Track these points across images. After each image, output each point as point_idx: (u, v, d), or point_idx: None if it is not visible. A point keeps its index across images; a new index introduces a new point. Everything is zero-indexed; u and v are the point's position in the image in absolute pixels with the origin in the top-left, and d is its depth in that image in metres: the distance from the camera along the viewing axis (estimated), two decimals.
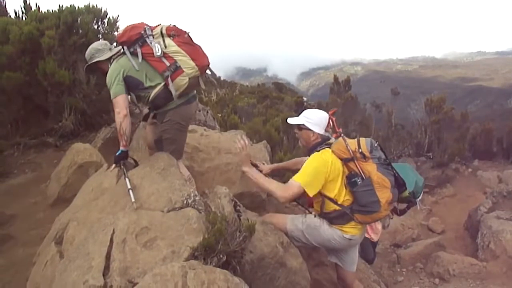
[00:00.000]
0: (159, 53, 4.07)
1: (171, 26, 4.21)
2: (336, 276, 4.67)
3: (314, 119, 4.08)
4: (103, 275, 2.71)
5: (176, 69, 4.11)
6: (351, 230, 3.96)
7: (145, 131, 4.90)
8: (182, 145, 4.65)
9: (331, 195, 3.88)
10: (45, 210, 5.71)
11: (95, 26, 8.69)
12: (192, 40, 4.29)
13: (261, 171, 4.30)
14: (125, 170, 3.92)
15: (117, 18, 8.97)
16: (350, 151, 3.86)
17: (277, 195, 3.84)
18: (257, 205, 5.21)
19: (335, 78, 17.51)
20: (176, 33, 4.18)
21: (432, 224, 11.31)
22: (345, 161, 3.89)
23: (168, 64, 4.10)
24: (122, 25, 9.00)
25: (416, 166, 14.16)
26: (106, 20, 8.83)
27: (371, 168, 3.84)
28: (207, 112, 8.68)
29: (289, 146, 11.51)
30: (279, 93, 31.56)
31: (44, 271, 3.73)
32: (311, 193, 3.82)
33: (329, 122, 4.12)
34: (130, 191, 3.51)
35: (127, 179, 3.69)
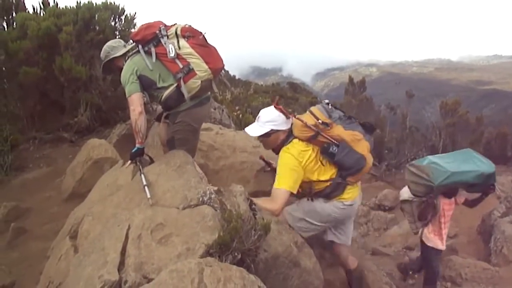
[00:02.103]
0: (172, 55, 4.03)
1: (186, 26, 4.16)
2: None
3: (278, 120, 4.00)
4: (118, 270, 2.71)
5: (189, 71, 4.07)
6: (349, 196, 3.96)
7: (159, 128, 4.91)
8: (195, 146, 4.65)
9: (316, 177, 3.87)
10: (59, 205, 5.76)
11: (112, 23, 8.76)
12: (207, 42, 4.24)
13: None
14: (140, 167, 3.93)
15: (134, 15, 9.04)
16: (312, 126, 3.81)
17: (271, 210, 3.76)
18: None
19: (350, 79, 17.46)
20: (191, 34, 4.13)
21: None
22: (312, 139, 3.84)
23: (181, 66, 4.07)
24: (139, 23, 9.05)
25: None
26: (123, 17, 8.90)
27: (338, 131, 3.82)
28: (223, 110, 8.69)
29: None
30: (294, 93, 31.56)
31: (58, 265, 3.74)
32: (296, 190, 3.83)
33: (279, 114, 4.01)
34: (146, 187, 3.52)
35: (142, 176, 3.69)
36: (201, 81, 4.11)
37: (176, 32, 4.09)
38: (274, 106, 4.01)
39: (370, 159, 3.87)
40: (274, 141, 4.05)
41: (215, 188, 3.53)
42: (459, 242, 10.19)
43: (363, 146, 3.82)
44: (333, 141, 3.77)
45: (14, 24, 8.51)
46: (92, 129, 8.09)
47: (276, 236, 3.40)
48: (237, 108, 14.27)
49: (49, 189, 6.21)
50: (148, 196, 3.40)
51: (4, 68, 8.23)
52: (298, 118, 3.89)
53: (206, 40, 4.22)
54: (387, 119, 16.76)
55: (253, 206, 3.43)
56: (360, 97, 16.22)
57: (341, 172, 3.85)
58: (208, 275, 2.35)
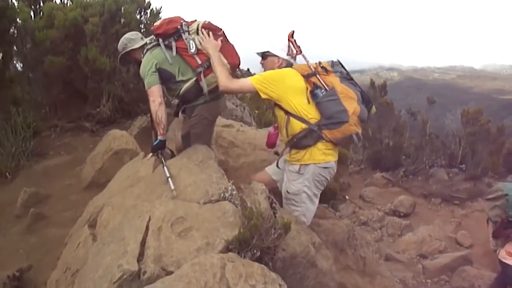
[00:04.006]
0: (193, 50, 4.15)
1: (206, 22, 4.27)
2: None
3: (278, 44, 4.03)
4: (137, 261, 2.74)
5: (209, 66, 4.15)
6: (322, 157, 3.83)
7: (175, 126, 4.95)
8: (209, 141, 4.68)
9: (295, 111, 3.80)
10: (79, 193, 5.80)
11: (138, 16, 8.81)
12: (226, 38, 4.35)
13: None
14: (163, 159, 3.97)
15: (160, 9, 9.07)
16: (311, 67, 3.86)
17: (221, 82, 3.85)
18: None
19: (372, 83, 17.32)
20: (211, 31, 4.22)
21: (460, 238, 11.10)
22: (307, 77, 3.83)
23: (200, 61, 4.17)
24: (164, 17, 9.11)
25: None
26: (149, 11, 8.94)
27: (333, 80, 3.81)
28: (244, 108, 8.71)
29: None
30: None
31: (76, 252, 3.80)
32: (262, 94, 3.80)
33: (289, 45, 4.05)
34: (169, 179, 3.56)
35: (165, 168, 3.74)
36: None
37: (197, 28, 4.20)
38: (288, 38, 4.04)
39: (355, 125, 3.75)
40: (270, 66, 4.07)
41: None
42: (474, 253, 10.11)
43: (352, 104, 3.73)
44: (324, 85, 3.76)
45: (42, 13, 8.60)
46: (113, 120, 8.14)
47: (294, 236, 3.41)
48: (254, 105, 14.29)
49: (68, 177, 6.26)
50: (172, 187, 3.46)
51: (29, 57, 8.33)
52: (304, 57, 3.98)
53: (225, 36, 4.34)
54: (407, 125, 16.60)
55: (274, 204, 3.44)
56: (380, 101, 16.07)
57: (321, 121, 3.76)
58: (230, 270, 2.37)
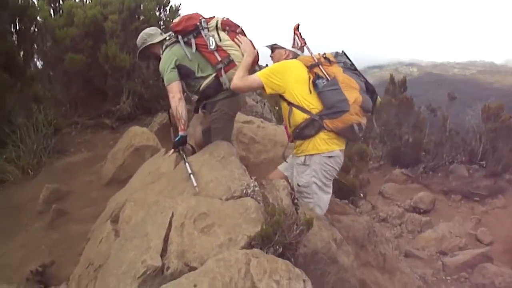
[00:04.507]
0: (213, 47, 4.18)
1: (225, 19, 4.31)
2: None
3: (285, 38, 4.14)
4: (161, 256, 2.75)
5: (229, 62, 4.20)
6: (325, 146, 3.84)
7: (193, 129, 4.97)
8: (229, 136, 4.70)
9: (297, 101, 3.84)
10: (99, 189, 5.84)
11: (157, 13, 8.82)
12: (245, 34, 4.40)
13: None
14: (184, 156, 3.99)
15: (179, 6, 9.08)
16: (315, 58, 3.92)
17: (232, 81, 4.01)
18: None
19: (391, 78, 17.20)
20: (230, 28, 4.29)
21: (480, 235, 11.04)
22: (310, 68, 3.87)
23: (220, 58, 4.20)
24: (183, 13, 9.12)
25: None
26: (168, 8, 8.96)
27: (336, 70, 3.85)
28: (264, 104, 8.70)
29: None
30: None
31: (98, 247, 3.82)
32: (267, 88, 3.89)
33: (294, 37, 4.13)
34: (192, 175, 3.58)
35: (187, 164, 3.76)
36: None
37: (216, 25, 4.24)
38: (294, 30, 4.13)
39: (356, 114, 3.74)
40: (278, 58, 4.17)
41: None
42: (494, 250, 10.05)
43: (352, 94, 3.74)
44: (326, 75, 3.79)
45: (61, 11, 8.67)
46: (133, 116, 8.17)
47: (316, 232, 3.41)
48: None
49: (89, 174, 6.30)
50: (195, 184, 3.47)
51: (50, 54, 8.40)
52: (308, 49, 4.05)
53: (244, 33, 4.39)
54: (426, 121, 16.47)
55: (295, 201, 3.44)
56: (400, 97, 15.96)
57: (323, 111, 3.78)
58: (255, 266, 2.37)
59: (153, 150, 5.58)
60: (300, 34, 4.11)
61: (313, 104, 3.79)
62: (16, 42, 7.49)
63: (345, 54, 4.06)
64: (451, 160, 14.54)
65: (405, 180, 14.41)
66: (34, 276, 4.30)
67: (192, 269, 2.64)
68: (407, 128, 15.98)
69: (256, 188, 3.33)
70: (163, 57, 4.28)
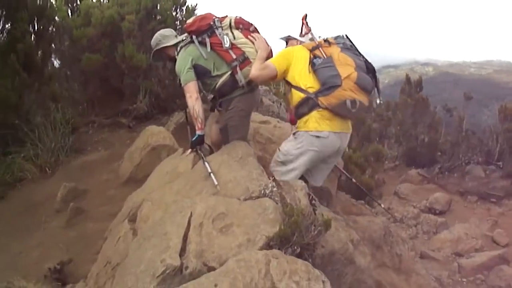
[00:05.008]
0: (227, 45, 4.26)
1: (238, 18, 4.40)
2: None
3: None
4: (179, 255, 2.77)
5: (245, 60, 4.27)
6: (315, 125, 3.90)
7: (208, 128, 5.00)
8: (246, 134, 4.74)
9: (295, 81, 3.98)
10: (116, 188, 5.87)
11: (174, 13, 8.85)
12: (258, 32, 4.49)
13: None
14: (202, 155, 4.02)
15: (195, 6, 9.11)
16: (317, 41, 4.12)
17: (251, 71, 4.12)
18: (325, 200, 5.19)
19: (407, 78, 17.09)
20: (244, 26, 4.38)
21: (497, 236, 10.92)
22: (312, 51, 4.03)
23: (235, 56, 4.27)
24: (200, 13, 9.15)
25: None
26: (184, 8, 8.98)
27: (334, 50, 3.98)
28: (280, 104, 8.69)
29: (359, 143, 11.37)
30: None
31: (116, 246, 3.85)
32: (278, 72, 4.07)
33: (302, 26, 4.36)
34: (212, 174, 3.61)
35: (206, 163, 3.79)
36: None
37: (230, 24, 4.33)
38: (302, 19, 4.37)
39: (350, 90, 3.78)
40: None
41: None
42: (511, 252, 9.94)
43: (346, 70, 3.80)
44: (324, 55, 3.93)
45: (79, 11, 8.74)
46: (150, 116, 8.21)
47: (333, 233, 3.42)
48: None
49: (106, 172, 6.34)
50: (216, 183, 3.52)
51: (67, 54, 8.48)
52: (311, 34, 4.28)
53: (257, 30, 4.50)
54: (442, 121, 16.35)
55: (313, 201, 3.44)
56: (416, 96, 15.87)
57: (319, 90, 3.87)
58: (275, 267, 2.38)
59: (170, 149, 5.60)
60: (306, 23, 4.32)
61: (310, 83, 3.92)
62: (34, 42, 7.54)
63: (348, 37, 4.19)
64: (467, 160, 14.40)
65: (420, 181, 14.31)
66: (51, 273, 4.35)
67: (211, 268, 2.66)
68: (422, 128, 15.87)
69: (274, 189, 3.34)
70: (178, 58, 4.34)
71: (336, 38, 4.11)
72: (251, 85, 4.42)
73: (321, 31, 4.25)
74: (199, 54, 4.27)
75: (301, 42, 4.30)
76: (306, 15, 4.34)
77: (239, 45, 4.31)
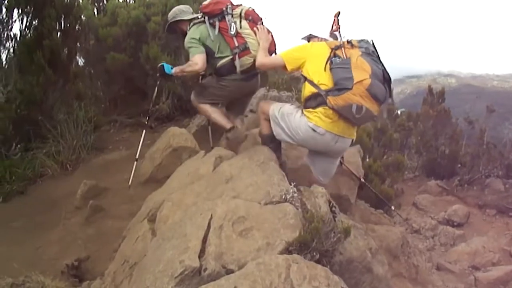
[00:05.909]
0: (233, 32, 4.59)
1: (250, 10, 4.72)
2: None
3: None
4: (199, 257, 2.78)
5: (245, 49, 4.64)
6: (316, 119, 3.90)
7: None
8: (210, 101, 5.01)
9: (309, 75, 3.99)
10: (136, 187, 5.90)
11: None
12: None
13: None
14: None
15: None
16: (341, 41, 4.13)
17: (257, 59, 4.43)
18: (344, 207, 5.16)
19: (430, 89, 16.94)
20: (253, 19, 4.69)
21: None
22: (334, 50, 3.99)
23: (237, 43, 4.62)
24: None
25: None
26: None
27: (354, 52, 3.93)
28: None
29: (379, 153, 11.27)
30: None
31: (135, 245, 3.87)
32: (288, 66, 4.18)
33: (333, 22, 4.37)
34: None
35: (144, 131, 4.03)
36: (254, 59, 4.59)
37: (240, 13, 4.63)
38: (334, 16, 4.39)
39: (359, 96, 3.73)
40: None
41: None
42: None
43: (360, 75, 3.74)
44: (344, 55, 3.93)
45: (105, 11, 8.84)
46: (171, 117, 8.27)
47: (352, 240, 3.40)
48: None
49: (127, 171, 6.34)
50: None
51: (92, 53, 8.57)
52: (339, 33, 4.28)
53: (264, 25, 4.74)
54: (464, 133, 16.19)
55: (333, 208, 3.44)
56: (438, 108, 15.73)
57: (331, 89, 3.84)
58: (295, 271, 2.38)
59: (191, 151, 5.62)
60: (338, 20, 4.34)
61: (324, 80, 3.89)
62: (60, 39, 7.63)
63: (372, 42, 4.14)
64: (488, 173, 14.20)
65: (440, 192, 14.14)
66: (69, 269, 4.40)
67: (230, 271, 2.67)
68: (443, 140, 15.71)
69: (295, 194, 3.34)
70: (189, 33, 4.67)
71: (360, 41, 4.09)
72: (247, 74, 4.76)
73: (348, 32, 4.29)
74: (207, 34, 4.62)
75: (322, 40, 4.32)
76: (339, 12, 4.40)
77: (243, 35, 4.63)
